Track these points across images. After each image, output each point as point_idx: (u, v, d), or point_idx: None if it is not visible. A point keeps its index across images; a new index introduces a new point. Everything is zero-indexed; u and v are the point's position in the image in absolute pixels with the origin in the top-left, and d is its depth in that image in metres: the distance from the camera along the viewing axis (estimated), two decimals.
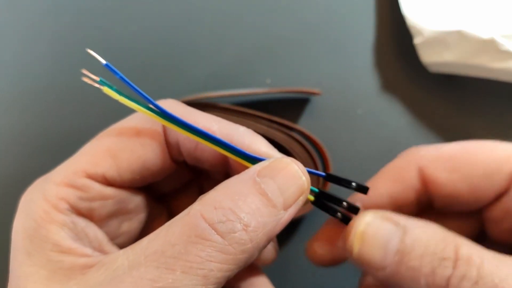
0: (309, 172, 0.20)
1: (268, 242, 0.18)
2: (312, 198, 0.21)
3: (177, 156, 0.21)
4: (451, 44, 0.30)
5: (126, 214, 0.22)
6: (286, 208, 0.18)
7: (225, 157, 0.20)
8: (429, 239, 0.18)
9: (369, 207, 0.22)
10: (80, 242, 0.19)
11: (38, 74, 0.33)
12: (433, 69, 0.32)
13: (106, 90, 0.18)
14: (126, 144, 0.20)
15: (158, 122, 0.20)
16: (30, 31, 0.34)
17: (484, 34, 0.29)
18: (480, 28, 0.29)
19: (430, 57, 0.31)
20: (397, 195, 0.22)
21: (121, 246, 0.21)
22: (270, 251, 0.24)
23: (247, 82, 0.33)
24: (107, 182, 0.20)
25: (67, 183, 0.19)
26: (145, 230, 0.23)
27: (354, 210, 0.21)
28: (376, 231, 0.19)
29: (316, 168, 0.30)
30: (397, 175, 0.22)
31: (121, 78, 0.18)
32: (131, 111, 0.20)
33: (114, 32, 0.34)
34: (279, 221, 0.17)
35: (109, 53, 0.33)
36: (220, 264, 0.16)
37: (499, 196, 0.21)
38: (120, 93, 0.18)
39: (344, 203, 0.21)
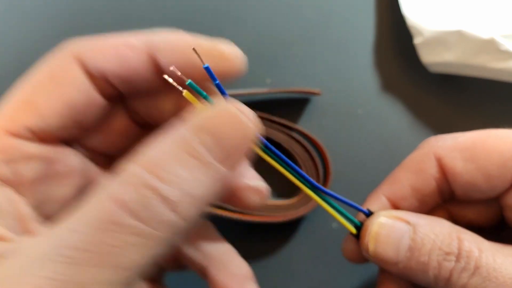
0: (352, 206, 0.21)
1: (214, 202, 0.15)
2: (354, 230, 0.22)
3: (108, 89, 0.19)
4: (451, 44, 0.30)
5: (56, 178, 0.19)
6: (231, 165, 0.15)
7: (159, 71, 0.18)
8: (436, 235, 0.20)
9: (394, 199, 0.23)
10: None
11: None
12: (433, 69, 0.32)
13: (187, 94, 0.16)
14: (42, 90, 0.18)
15: (71, 58, 0.18)
16: (30, 32, 0.34)
17: (484, 34, 0.29)
18: (480, 28, 0.29)
19: (430, 57, 0.31)
20: (419, 186, 0.23)
21: (51, 215, 0.18)
22: (259, 189, 0.20)
23: (247, 82, 0.33)
24: (34, 135, 0.17)
25: None
26: (82, 197, 0.20)
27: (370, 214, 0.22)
28: (389, 231, 0.21)
29: (316, 168, 0.30)
30: (417, 166, 0.23)
31: (218, 85, 0.16)
32: None
33: (113, 32, 0.34)
34: (223, 180, 0.15)
35: None
36: (143, 250, 0.14)
37: None
38: (208, 100, 0.17)
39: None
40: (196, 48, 0.17)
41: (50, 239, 0.14)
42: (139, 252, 0.14)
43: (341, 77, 0.33)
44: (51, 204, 0.19)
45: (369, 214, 0.22)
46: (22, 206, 0.17)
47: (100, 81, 0.19)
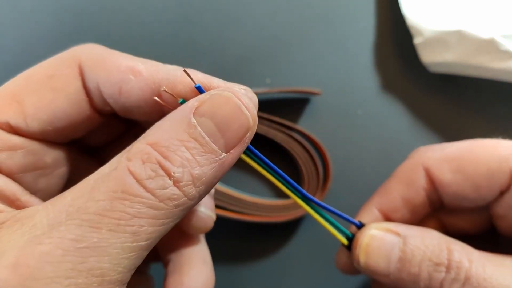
0: (344, 218, 0.21)
1: (212, 187, 0.17)
2: (346, 242, 0.22)
3: (101, 106, 0.19)
4: (451, 44, 0.30)
5: (43, 169, 0.19)
6: (228, 150, 0.16)
7: (157, 105, 0.19)
8: (426, 246, 0.20)
9: (385, 211, 0.24)
10: None
11: None
12: (433, 69, 0.32)
13: None
14: (34, 89, 0.18)
15: (74, 65, 0.18)
16: (30, 32, 0.34)
17: (484, 34, 0.29)
18: (480, 28, 0.29)
19: (430, 57, 0.31)
20: (409, 197, 0.23)
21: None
22: (205, 219, 0.22)
23: (247, 82, 0.33)
24: (13, 130, 0.18)
25: None
26: (71, 186, 0.21)
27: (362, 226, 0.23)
28: (379, 243, 0.21)
29: (316, 168, 0.30)
30: (406, 177, 0.23)
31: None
32: None
33: (114, 32, 0.34)
34: (221, 165, 0.16)
35: None
36: (151, 219, 0.15)
37: (502, 193, 0.22)
38: None
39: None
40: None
41: (61, 207, 0.15)
42: (151, 223, 0.15)
43: (341, 77, 0.33)
44: (39, 194, 0.19)
45: (360, 226, 0.22)
46: (10, 184, 0.18)
47: (97, 97, 0.19)
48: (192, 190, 0.15)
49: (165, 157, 0.15)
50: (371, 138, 0.32)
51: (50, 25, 0.34)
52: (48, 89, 0.18)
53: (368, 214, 0.24)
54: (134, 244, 0.15)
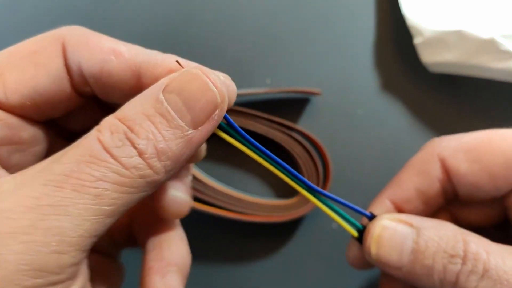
0: (354, 210, 0.21)
1: (180, 165, 0.17)
2: (356, 234, 0.22)
3: (81, 86, 0.20)
4: (451, 44, 0.30)
5: (19, 144, 0.19)
6: (196, 126, 0.17)
7: (138, 85, 0.19)
8: (441, 238, 0.19)
9: (398, 202, 0.23)
10: None
11: None
12: (433, 69, 0.32)
13: None
14: (17, 63, 0.18)
15: (57, 43, 0.19)
16: (30, 31, 0.34)
17: (484, 34, 0.29)
18: (480, 28, 0.29)
19: (430, 57, 0.31)
20: (423, 188, 0.23)
21: None
22: (179, 203, 0.22)
23: (247, 82, 0.33)
24: None
25: None
26: None
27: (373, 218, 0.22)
28: (392, 234, 0.20)
29: (316, 168, 0.30)
30: (421, 168, 0.23)
31: None
32: None
33: (113, 32, 0.34)
34: (188, 141, 0.16)
35: None
36: (116, 185, 0.15)
37: None
38: None
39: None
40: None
41: (30, 173, 0.15)
42: (115, 188, 0.15)
43: (341, 77, 0.33)
44: (12, 170, 0.19)
45: (371, 217, 0.22)
46: None
47: (77, 76, 0.19)
48: (157, 163, 0.16)
49: (131, 130, 0.16)
50: (371, 138, 0.32)
51: (51, 25, 0.34)
52: (30, 64, 0.18)
53: (380, 205, 0.23)
54: (97, 206, 0.15)
